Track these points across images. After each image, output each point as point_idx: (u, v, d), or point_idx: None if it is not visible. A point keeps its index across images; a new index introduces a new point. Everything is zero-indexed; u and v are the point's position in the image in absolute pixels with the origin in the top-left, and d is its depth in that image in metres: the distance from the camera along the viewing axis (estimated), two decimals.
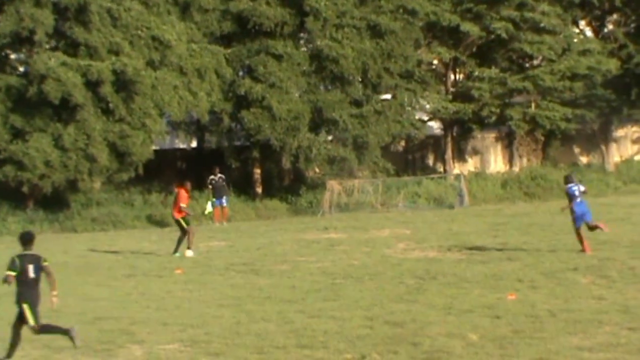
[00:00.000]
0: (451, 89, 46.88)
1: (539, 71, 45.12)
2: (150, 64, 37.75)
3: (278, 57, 40.35)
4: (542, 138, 49.88)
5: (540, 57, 46.35)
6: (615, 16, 49.48)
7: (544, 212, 33.86)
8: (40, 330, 13.95)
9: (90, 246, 30.40)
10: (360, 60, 40.75)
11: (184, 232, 26.97)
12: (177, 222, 27.38)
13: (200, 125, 42.62)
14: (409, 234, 29.63)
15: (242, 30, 41.13)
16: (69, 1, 36.38)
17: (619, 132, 51.03)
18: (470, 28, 43.83)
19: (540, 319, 14.69)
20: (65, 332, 13.89)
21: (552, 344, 12.90)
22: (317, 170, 42.71)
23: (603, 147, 49.41)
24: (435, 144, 49.43)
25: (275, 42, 40.37)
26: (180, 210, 27.11)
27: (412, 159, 49.66)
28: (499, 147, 50.35)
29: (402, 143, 48.52)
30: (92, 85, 36.19)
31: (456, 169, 47.42)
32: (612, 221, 30.01)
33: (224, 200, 38.18)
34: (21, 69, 38.84)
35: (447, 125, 47.21)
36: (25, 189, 37.49)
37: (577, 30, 49.54)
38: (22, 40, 37.57)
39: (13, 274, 13.76)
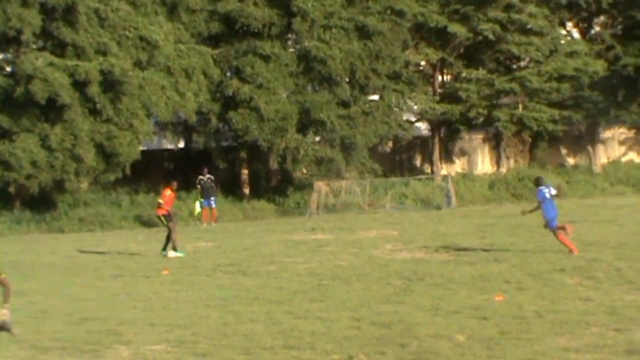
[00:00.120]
0: (439, 90, 46.92)
1: (526, 72, 45.20)
2: (138, 64, 37.70)
3: (266, 58, 40.35)
4: (530, 139, 49.95)
5: (528, 59, 46.43)
6: (602, 18, 49.55)
7: (532, 213, 33.82)
8: None
9: (78, 247, 30.31)
10: (347, 61, 40.77)
11: (169, 229, 27.02)
12: (159, 219, 27.62)
13: (187, 125, 42.58)
14: (396, 235, 29.64)
15: (229, 31, 41.12)
16: (57, 1, 36.32)
17: (606, 134, 51.12)
18: (457, 29, 43.88)
19: (527, 320, 14.70)
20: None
21: (539, 345, 12.91)
22: (304, 171, 42.69)
23: (590, 149, 49.49)
24: (422, 145, 49.47)
25: (262, 42, 40.36)
26: (160, 207, 27.33)
27: (399, 160, 49.69)
28: (486, 148, 50.42)
29: (390, 144, 48.56)
30: (80, 85, 36.13)
31: (443, 170, 47.47)
32: (599, 222, 30.16)
33: (212, 201, 38.19)
34: (8, 69, 38.72)
35: (435, 126, 47.25)
36: (12, 189, 37.43)
37: (564, 32, 49.64)
38: (9, 40, 37.50)
39: None
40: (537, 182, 23.72)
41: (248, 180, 43.38)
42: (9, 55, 38.86)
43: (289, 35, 42.61)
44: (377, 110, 42.58)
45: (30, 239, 35.05)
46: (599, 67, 45.52)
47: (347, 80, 41.97)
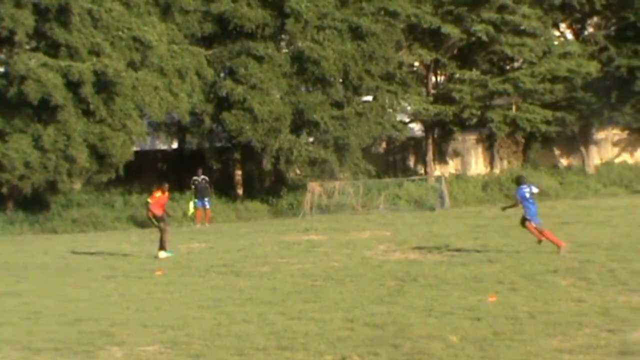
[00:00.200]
0: (432, 91, 46.94)
1: (520, 73, 45.23)
2: (131, 64, 37.66)
3: (259, 59, 40.34)
4: (523, 140, 50.03)
5: (521, 60, 46.47)
6: (595, 19, 49.59)
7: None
8: None
9: (71, 247, 30.28)
10: (341, 62, 40.78)
11: (160, 229, 27.00)
12: (150, 220, 27.57)
13: (181, 126, 42.55)
14: (390, 236, 29.62)
15: (223, 32, 41.11)
16: (50, 2, 36.26)
17: (600, 135, 51.20)
18: (451, 30, 43.89)
19: (520, 321, 14.70)
20: None
21: (532, 346, 12.91)
22: (298, 171, 42.68)
23: (583, 150, 49.54)
24: (416, 145, 49.50)
25: (256, 43, 40.35)
26: (148, 208, 27.35)
27: (393, 160, 49.72)
28: (479, 149, 50.46)
29: (383, 145, 48.60)
30: (73, 86, 36.09)
31: (437, 170, 47.50)
32: (592, 224, 30.16)
33: (206, 202, 38.21)
34: (1, 69, 38.67)
35: (428, 127, 47.29)
36: (4, 190, 37.41)
37: (557, 33, 49.69)
38: (2, 41, 37.45)
39: None
40: (518, 181, 24.04)
41: (241, 181, 43.37)
42: (2, 56, 38.80)
43: (283, 36, 42.60)
44: (370, 111, 42.58)
45: (23, 239, 35.01)
46: (592, 68, 45.56)
47: (341, 81, 41.97)
